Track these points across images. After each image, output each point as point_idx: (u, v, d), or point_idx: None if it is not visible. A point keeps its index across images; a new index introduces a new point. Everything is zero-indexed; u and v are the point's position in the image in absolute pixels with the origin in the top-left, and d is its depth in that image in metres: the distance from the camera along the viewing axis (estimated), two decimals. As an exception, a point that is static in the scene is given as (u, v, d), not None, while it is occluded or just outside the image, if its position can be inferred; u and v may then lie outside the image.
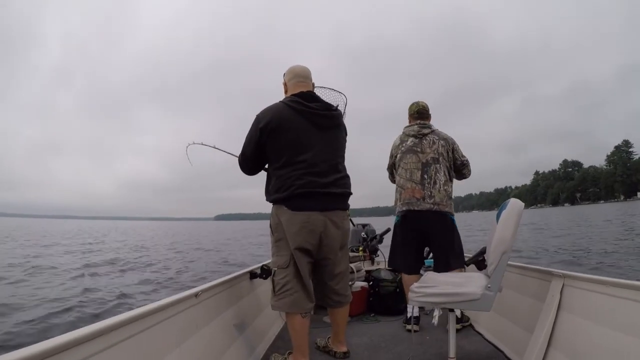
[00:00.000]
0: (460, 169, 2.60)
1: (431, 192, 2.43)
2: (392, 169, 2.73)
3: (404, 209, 2.50)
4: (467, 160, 2.61)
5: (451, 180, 2.55)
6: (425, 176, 2.46)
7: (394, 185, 2.67)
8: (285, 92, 1.99)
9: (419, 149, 2.52)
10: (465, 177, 2.68)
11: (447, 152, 2.52)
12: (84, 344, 0.98)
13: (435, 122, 2.66)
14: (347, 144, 2.01)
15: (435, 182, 2.45)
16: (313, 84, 2.00)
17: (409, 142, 2.57)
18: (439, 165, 2.47)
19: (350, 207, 1.99)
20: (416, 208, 2.44)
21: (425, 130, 2.55)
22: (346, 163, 1.98)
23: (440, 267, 2.39)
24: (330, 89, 2.12)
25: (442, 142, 2.51)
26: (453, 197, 2.54)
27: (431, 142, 2.51)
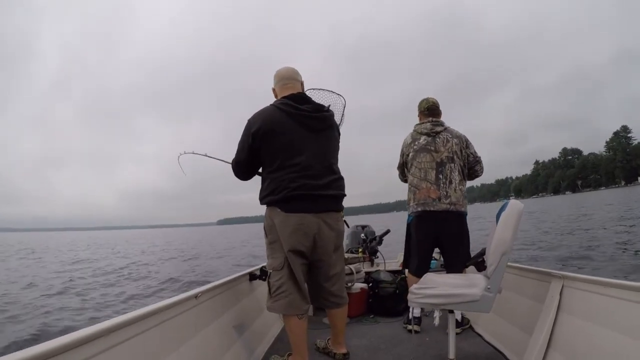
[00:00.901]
0: (473, 165, 2.54)
1: (447, 192, 2.39)
2: (402, 167, 2.67)
3: (419, 209, 2.45)
4: (480, 157, 2.56)
5: (465, 179, 2.51)
6: (441, 176, 2.41)
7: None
8: (276, 97, 1.98)
9: (432, 148, 2.46)
10: (477, 175, 2.61)
11: (461, 150, 2.47)
12: (83, 346, 0.98)
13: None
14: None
15: (450, 182, 2.40)
16: (302, 83, 1.99)
17: (421, 140, 2.51)
18: (453, 164, 2.43)
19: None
20: (432, 209, 2.40)
21: (438, 128, 2.49)
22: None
23: (456, 267, 2.37)
24: (329, 91, 2.11)
25: (455, 140, 2.47)
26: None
27: (445, 141, 2.46)
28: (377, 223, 4.13)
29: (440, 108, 2.61)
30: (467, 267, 2.46)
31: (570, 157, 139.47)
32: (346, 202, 1.99)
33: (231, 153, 2.01)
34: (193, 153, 2.34)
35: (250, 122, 1.85)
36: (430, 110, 2.58)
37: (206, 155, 2.31)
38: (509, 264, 1.88)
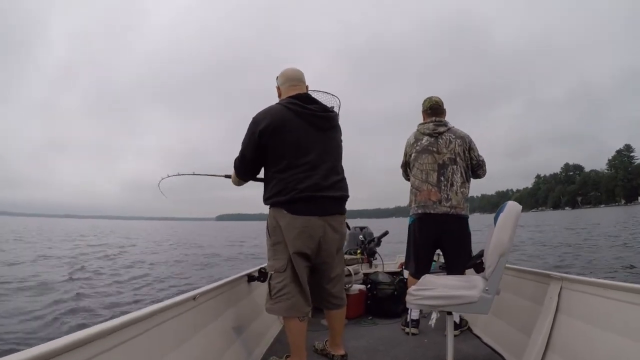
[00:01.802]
0: (475, 169, 2.50)
1: (448, 195, 2.36)
2: (405, 167, 2.65)
3: (420, 211, 2.43)
4: (483, 160, 2.51)
5: (468, 181, 2.47)
6: (442, 178, 2.38)
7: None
8: (279, 96, 1.98)
9: (434, 149, 2.43)
10: (479, 178, 2.57)
11: (464, 152, 2.43)
12: (81, 348, 0.97)
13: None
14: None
15: (452, 184, 2.37)
16: (307, 87, 1.99)
17: (424, 140, 2.47)
18: (455, 166, 2.39)
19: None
20: (432, 211, 2.37)
21: (441, 129, 2.45)
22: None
23: (456, 270, 2.35)
24: (323, 92, 2.11)
25: (458, 141, 2.42)
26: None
27: (447, 142, 2.42)
28: (375, 228, 4.12)
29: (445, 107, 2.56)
30: (465, 268, 2.46)
31: (571, 173, 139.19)
32: (346, 205, 1.99)
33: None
34: (178, 174, 2.30)
35: (257, 119, 1.83)
36: (432, 109, 2.53)
37: (194, 174, 2.27)
38: (507, 265, 1.88)
